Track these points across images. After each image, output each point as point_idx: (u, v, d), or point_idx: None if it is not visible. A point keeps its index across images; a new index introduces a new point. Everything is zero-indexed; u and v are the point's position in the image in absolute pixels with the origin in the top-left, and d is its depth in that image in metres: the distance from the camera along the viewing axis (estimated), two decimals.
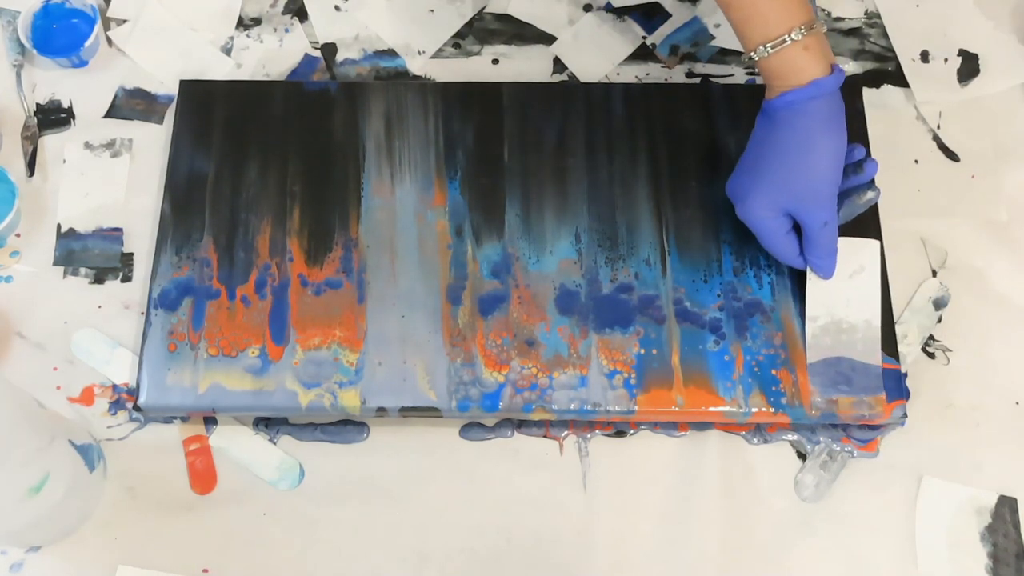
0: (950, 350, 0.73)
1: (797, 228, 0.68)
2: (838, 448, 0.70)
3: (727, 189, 0.70)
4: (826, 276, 0.69)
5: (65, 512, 0.65)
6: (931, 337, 0.74)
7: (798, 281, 0.71)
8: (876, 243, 0.71)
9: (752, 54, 0.64)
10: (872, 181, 0.68)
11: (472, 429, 0.71)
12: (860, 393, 0.68)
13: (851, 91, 0.77)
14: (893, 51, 0.83)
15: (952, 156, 0.79)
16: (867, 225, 0.72)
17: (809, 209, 0.66)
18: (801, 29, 0.62)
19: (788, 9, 0.63)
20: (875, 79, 0.82)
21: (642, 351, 0.69)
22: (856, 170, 0.67)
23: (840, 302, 0.70)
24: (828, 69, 0.63)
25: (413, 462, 0.70)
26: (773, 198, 0.66)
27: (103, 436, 0.71)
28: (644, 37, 0.84)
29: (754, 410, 0.68)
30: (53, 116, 0.80)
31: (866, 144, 0.75)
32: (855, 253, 0.70)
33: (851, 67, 0.83)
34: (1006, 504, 0.69)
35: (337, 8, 0.85)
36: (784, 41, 0.63)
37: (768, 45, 0.63)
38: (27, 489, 0.60)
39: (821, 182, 0.65)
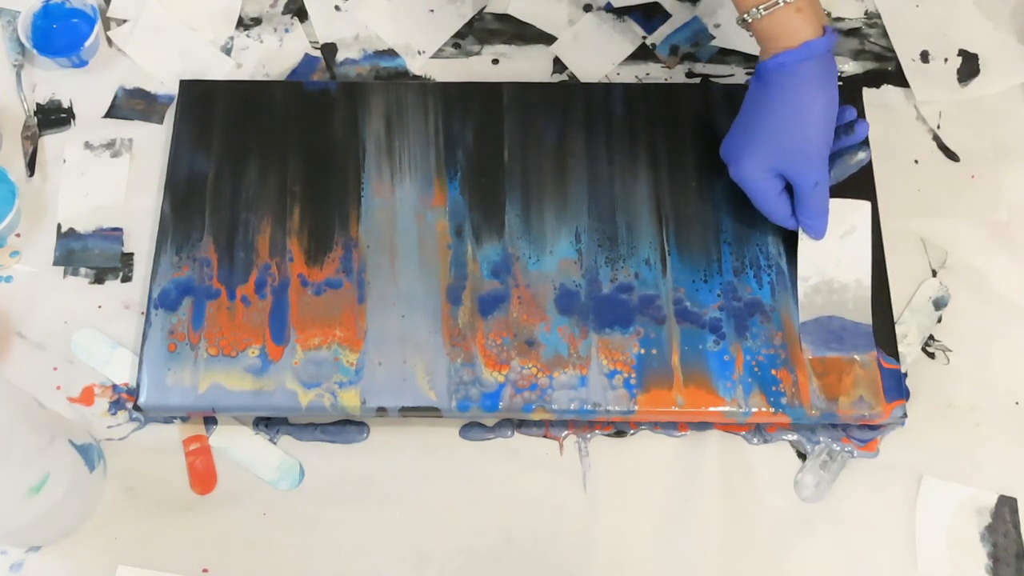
0: (950, 350, 0.73)
1: (789, 189, 0.69)
2: (838, 448, 0.70)
3: (721, 151, 0.71)
4: (817, 236, 0.70)
5: (65, 512, 0.65)
6: (931, 337, 0.74)
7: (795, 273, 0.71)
8: (867, 204, 0.72)
9: (745, 16, 0.65)
10: (863, 142, 0.69)
11: (472, 429, 0.71)
12: (851, 351, 0.69)
13: (851, 91, 0.78)
14: (893, 51, 0.83)
15: (952, 156, 0.79)
16: (860, 188, 0.73)
17: (800, 169, 0.67)
18: None
19: None
20: (875, 79, 0.82)
21: (642, 351, 0.69)
22: (847, 131, 0.69)
23: (831, 262, 0.71)
24: (820, 31, 0.64)
25: (413, 462, 0.70)
26: (765, 158, 0.67)
27: (103, 436, 0.71)
28: (644, 37, 0.84)
29: (754, 410, 0.68)
30: (53, 116, 0.80)
31: (866, 144, 0.75)
32: (847, 214, 0.71)
33: (851, 67, 0.83)
34: (1006, 504, 0.69)
35: (337, 8, 0.85)
36: (776, 3, 0.63)
37: (761, 7, 0.64)
38: (27, 489, 0.60)
39: (812, 142, 0.66)
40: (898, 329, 0.72)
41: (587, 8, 0.85)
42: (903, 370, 0.71)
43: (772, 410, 0.68)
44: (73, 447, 0.64)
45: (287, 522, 0.69)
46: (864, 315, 0.70)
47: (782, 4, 0.63)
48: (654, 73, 0.83)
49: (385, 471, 0.70)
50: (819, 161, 0.67)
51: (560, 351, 0.69)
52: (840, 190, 0.71)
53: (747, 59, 0.83)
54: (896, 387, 0.69)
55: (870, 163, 0.74)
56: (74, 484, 0.64)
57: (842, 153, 0.70)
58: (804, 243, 0.71)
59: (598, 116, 0.77)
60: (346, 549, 0.68)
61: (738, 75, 0.82)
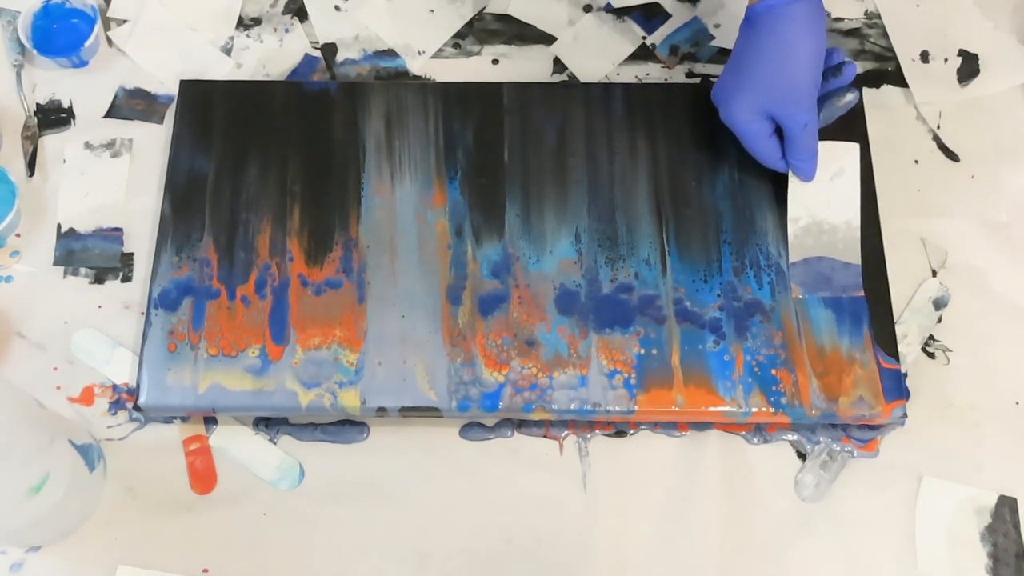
0: (950, 350, 0.73)
1: (779, 132, 0.71)
2: (838, 448, 0.70)
3: (712, 95, 0.72)
4: (807, 178, 0.72)
5: (65, 512, 0.65)
6: (931, 337, 0.74)
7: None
8: (856, 146, 0.73)
9: None
10: (852, 84, 0.70)
11: (472, 429, 0.71)
12: (840, 291, 0.70)
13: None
14: (893, 51, 0.83)
15: (952, 156, 0.79)
16: (865, 214, 0.73)
17: (790, 111, 0.68)
18: None
19: None
20: (875, 79, 0.82)
21: (642, 351, 0.69)
22: (835, 73, 0.70)
23: (821, 204, 0.72)
24: None
25: (413, 462, 0.70)
26: (755, 101, 0.69)
27: (103, 436, 0.71)
28: (644, 37, 0.84)
29: (754, 410, 0.68)
30: (53, 116, 0.80)
31: (866, 145, 0.76)
32: (836, 156, 0.72)
33: None
34: (1006, 504, 0.69)
35: (337, 8, 0.85)
36: None
37: None
38: (27, 489, 0.60)
39: (801, 84, 0.67)
40: (898, 329, 0.72)
41: (587, 8, 0.85)
42: (903, 370, 0.71)
43: (772, 410, 0.68)
44: (73, 447, 0.64)
45: (287, 522, 0.69)
46: (854, 255, 0.71)
47: None
48: (654, 73, 0.83)
49: (385, 471, 0.70)
50: (808, 102, 0.68)
51: (560, 351, 0.69)
52: (826, 133, 0.72)
53: None
54: (896, 387, 0.69)
55: (871, 162, 0.75)
56: (74, 484, 0.64)
57: (830, 95, 0.71)
58: (794, 185, 0.72)
59: (598, 116, 0.77)
60: (346, 549, 0.68)
61: None
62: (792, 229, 0.72)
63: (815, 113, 0.69)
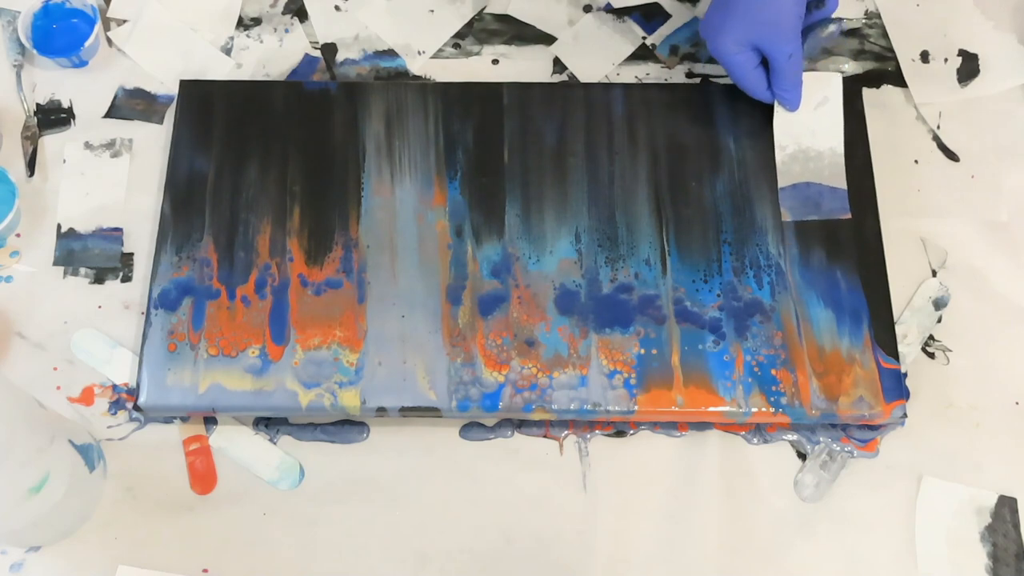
0: (950, 350, 0.73)
1: (765, 64, 0.73)
2: (838, 448, 0.70)
3: (700, 29, 0.75)
4: (792, 108, 0.75)
5: (65, 512, 0.65)
6: (931, 337, 0.74)
7: (798, 272, 0.71)
8: (838, 75, 0.76)
9: None
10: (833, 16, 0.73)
11: (472, 429, 0.71)
12: (827, 214, 0.73)
13: (851, 91, 0.78)
14: (893, 51, 0.83)
15: (952, 156, 0.79)
16: (865, 214, 0.73)
17: (774, 41, 0.71)
18: None
19: None
20: (875, 79, 0.82)
21: (642, 351, 0.69)
22: (818, 5, 0.72)
23: (806, 132, 0.75)
24: None
25: (413, 462, 0.70)
26: (741, 32, 0.71)
27: (103, 436, 0.71)
28: (644, 37, 0.84)
29: (754, 410, 0.68)
30: (53, 116, 0.80)
31: (866, 145, 0.76)
32: (819, 86, 0.75)
33: (851, 67, 0.82)
34: (1006, 504, 0.69)
35: (337, 8, 0.85)
36: None
37: None
38: (27, 489, 0.60)
39: (784, 14, 0.70)
40: (898, 329, 0.72)
41: (587, 8, 0.85)
42: (903, 370, 0.71)
43: (772, 410, 0.68)
44: (73, 447, 0.64)
45: (287, 522, 0.69)
46: (839, 180, 0.74)
47: None
48: (654, 73, 0.83)
49: (385, 471, 0.70)
50: (792, 33, 0.71)
51: (560, 351, 0.69)
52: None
53: None
54: (896, 387, 0.69)
55: (871, 165, 0.75)
56: (74, 484, 0.64)
57: (813, 27, 0.73)
58: (780, 115, 0.75)
59: (598, 116, 0.77)
60: (346, 549, 0.68)
61: None
62: (779, 156, 0.75)
63: (799, 44, 0.71)
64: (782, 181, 0.74)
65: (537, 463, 0.70)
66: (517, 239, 0.73)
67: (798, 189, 0.74)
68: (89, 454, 0.66)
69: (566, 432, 0.71)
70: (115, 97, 0.81)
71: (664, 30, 0.84)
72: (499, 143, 0.76)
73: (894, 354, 0.70)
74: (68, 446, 0.64)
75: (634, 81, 0.82)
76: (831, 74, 0.76)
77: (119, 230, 0.77)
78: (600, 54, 0.83)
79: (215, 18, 0.84)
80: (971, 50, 0.83)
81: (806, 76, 0.74)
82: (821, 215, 0.73)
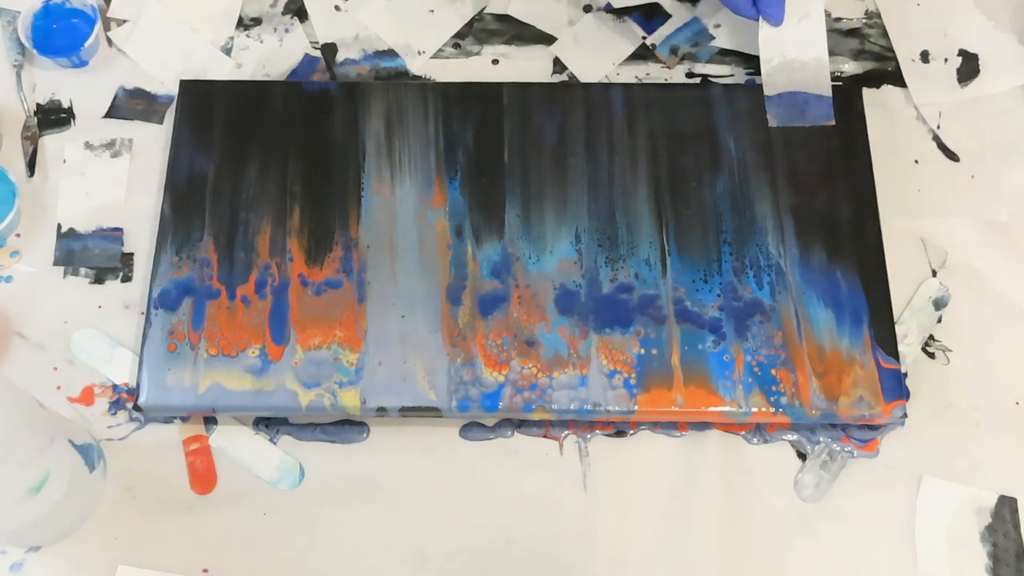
0: (950, 350, 0.73)
1: None
2: (838, 448, 0.70)
3: None
4: (777, 23, 0.77)
5: (65, 512, 0.65)
6: (931, 337, 0.74)
7: (797, 273, 0.71)
8: None
9: None
10: None
11: (472, 429, 0.71)
12: (812, 121, 0.76)
13: (851, 91, 0.78)
14: (893, 51, 0.83)
15: (952, 156, 0.79)
16: (865, 214, 0.73)
17: None
18: None
19: None
20: (875, 79, 0.82)
21: (642, 351, 0.69)
22: None
23: (790, 45, 0.77)
24: None
25: (413, 462, 0.70)
26: None
27: (103, 436, 0.71)
28: (644, 37, 0.84)
29: (754, 410, 0.68)
30: (53, 116, 0.80)
31: (866, 145, 0.76)
32: (802, 1, 0.77)
33: (851, 67, 0.83)
34: (1006, 504, 0.69)
35: (337, 8, 0.85)
36: None
37: None
38: (27, 489, 0.60)
39: None
40: (898, 329, 0.72)
41: (587, 8, 0.85)
42: (903, 370, 0.71)
43: (772, 410, 0.68)
44: (73, 447, 0.64)
45: (287, 522, 0.69)
46: (824, 88, 0.77)
47: None
48: (654, 73, 0.83)
49: (385, 471, 0.70)
50: None
51: (560, 351, 0.69)
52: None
53: (747, 59, 0.83)
54: (896, 387, 0.69)
55: (871, 165, 0.75)
56: (74, 484, 0.64)
57: None
58: (764, 29, 0.77)
59: (598, 116, 0.77)
60: (346, 549, 0.68)
61: (738, 75, 0.82)
62: (765, 69, 0.77)
63: None
64: (768, 91, 0.77)
65: (537, 463, 0.70)
66: (517, 239, 0.73)
67: (783, 97, 0.76)
68: (89, 454, 0.66)
69: (566, 432, 0.71)
70: (115, 97, 0.81)
71: (664, 30, 0.84)
72: (499, 143, 0.76)
73: (894, 354, 0.70)
74: (68, 446, 0.64)
75: (634, 81, 0.82)
76: None
77: (119, 230, 0.77)
78: (600, 54, 0.83)
79: (215, 18, 0.84)
80: (971, 50, 0.83)
81: None
82: (806, 121, 0.76)
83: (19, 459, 0.58)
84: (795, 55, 0.77)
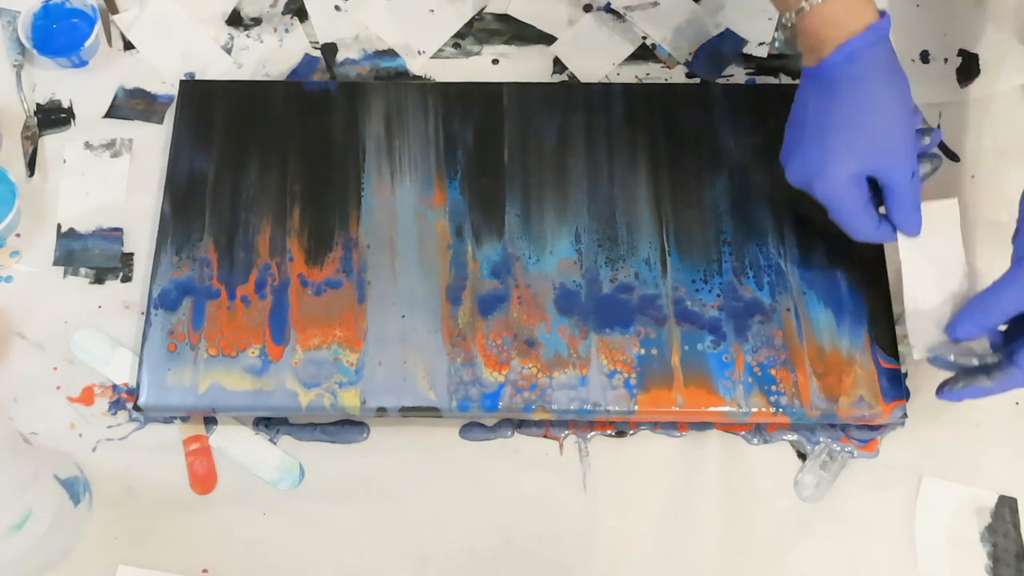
0: None
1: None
2: (838, 448, 0.70)
3: (790, 176, 0.65)
4: (914, 233, 0.64)
5: (47, 547, 0.64)
6: None
7: (797, 277, 0.71)
8: (954, 201, 0.66)
9: (792, 14, 0.61)
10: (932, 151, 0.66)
11: (472, 429, 0.71)
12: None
13: None
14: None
15: (952, 156, 0.79)
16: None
17: (895, 164, 0.62)
18: None
19: None
20: None
21: (642, 351, 0.69)
22: (920, 138, 0.64)
23: (931, 269, 0.66)
24: (877, 12, 0.61)
25: (413, 462, 0.70)
26: (855, 163, 0.62)
27: (103, 436, 0.71)
28: (644, 37, 0.84)
29: (754, 410, 0.68)
30: (53, 116, 0.80)
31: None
32: (934, 216, 0.66)
33: None
34: (1006, 504, 0.69)
35: (337, 8, 0.85)
36: None
37: None
38: (8, 527, 0.59)
39: (902, 129, 0.61)
40: (898, 329, 0.72)
41: (587, 8, 0.85)
42: (903, 370, 0.71)
43: (772, 410, 0.68)
44: (58, 482, 0.64)
45: (287, 522, 0.69)
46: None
47: None
48: (654, 73, 0.83)
49: (385, 471, 0.70)
50: (910, 148, 0.61)
51: (560, 351, 0.69)
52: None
53: (747, 59, 0.83)
54: (896, 387, 0.69)
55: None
56: (58, 519, 0.64)
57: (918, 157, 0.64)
58: (905, 251, 0.66)
59: (598, 116, 0.77)
60: (346, 549, 0.68)
61: (738, 75, 0.82)
62: (909, 306, 0.66)
63: (916, 159, 0.62)
64: (917, 350, 0.66)
65: (537, 463, 0.70)
66: (517, 239, 0.73)
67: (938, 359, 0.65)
68: (75, 488, 0.66)
69: (566, 432, 0.71)
70: (115, 97, 0.81)
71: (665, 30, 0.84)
72: (499, 143, 0.76)
73: (894, 354, 0.70)
74: (53, 482, 0.63)
75: (634, 81, 0.82)
76: (945, 202, 0.66)
77: (119, 230, 0.77)
78: (600, 54, 0.83)
79: (215, 18, 0.84)
80: (971, 50, 0.83)
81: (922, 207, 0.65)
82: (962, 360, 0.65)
83: (1, 497, 0.58)
84: (934, 277, 0.65)
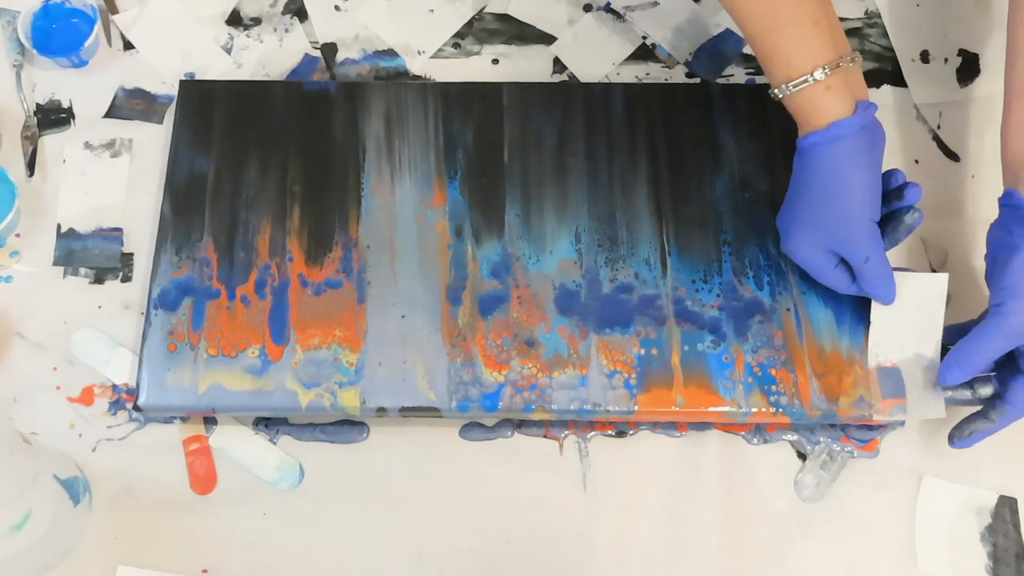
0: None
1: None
2: (838, 448, 0.70)
3: (777, 221, 0.70)
4: (886, 303, 0.68)
5: (47, 547, 0.64)
6: None
7: (798, 276, 0.71)
8: (944, 277, 0.68)
9: (776, 91, 0.64)
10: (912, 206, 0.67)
11: (472, 429, 0.71)
12: (920, 415, 0.68)
13: None
14: (893, 51, 0.83)
15: (952, 156, 0.79)
16: None
17: (848, 248, 0.65)
18: (825, 68, 0.62)
19: (812, 47, 0.62)
20: (875, 79, 0.82)
21: (642, 351, 0.69)
22: (898, 196, 0.66)
23: (903, 331, 0.68)
24: (851, 108, 0.63)
25: (413, 462, 0.70)
26: (813, 238, 0.66)
27: (103, 436, 0.71)
28: (644, 37, 0.84)
29: (754, 410, 0.68)
30: (53, 116, 0.80)
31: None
32: (922, 287, 0.68)
33: None
34: (1006, 504, 0.69)
35: (337, 8, 0.85)
36: (806, 80, 0.62)
37: (791, 84, 0.63)
38: (8, 527, 0.59)
39: (856, 221, 0.64)
40: None
41: (587, 8, 0.85)
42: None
43: (772, 410, 0.68)
44: (58, 482, 0.64)
45: (287, 522, 0.69)
46: (933, 391, 0.68)
47: (811, 81, 0.62)
48: (654, 73, 0.83)
49: (385, 471, 0.70)
50: (866, 236, 0.65)
51: (560, 351, 0.69)
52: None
53: (747, 59, 0.83)
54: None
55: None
56: (57, 519, 0.63)
57: (894, 216, 0.66)
58: (876, 309, 0.68)
59: (598, 116, 0.77)
60: (346, 549, 0.68)
61: (738, 75, 0.82)
62: (873, 338, 0.69)
63: (876, 244, 0.65)
64: (871, 361, 0.69)
65: (537, 463, 0.70)
66: (517, 239, 0.73)
67: (889, 372, 0.68)
68: (74, 488, 0.66)
69: (566, 432, 0.71)
70: (115, 97, 0.81)
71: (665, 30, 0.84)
72: (499, 143, 0.76)
73: None
74: (52, 482, 0.63)
75: (634, 81, 0.82)
76: (936, 276, 0.68)
77: (119, 230, 0.77)
78: (600, 54, 0.83)
79: (216, 18, 0.84)
80: (971, 50, 0.83)
81: (910, 277, 0.68)
82: (914, 413, 0.68)
83: (0, 497, 0.58)
84: (904, 343, 0.68)
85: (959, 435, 0.67)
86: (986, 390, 0.67)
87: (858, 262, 0.66)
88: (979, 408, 0.67)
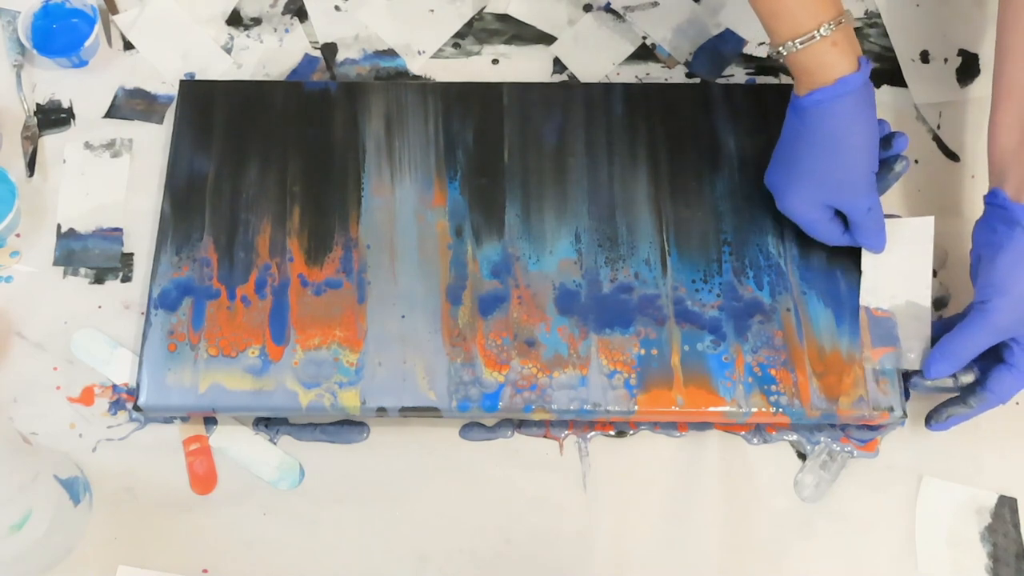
0: None
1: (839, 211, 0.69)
2: (838, 448, 0.70)
3: (766, 181, 0.71)
4: (877, 251, 0.70)
5: (47, 546, 0.64)
6: None
7: (798, 275, 0.71)
8: (930, 220, 0.70)
9: (780, 49, 0.64)
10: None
11: (472, 429, 0.71)
12: (908, 364, 0.69)
13: None
14: (893, 51, 0.83)
15: (952, 156, 0.79)
16: None
17: (850, 200, 0.67)
18: (830, 24, 0.62)
19: (816, 4, 0.63)
20: (875, 79, 0.81)
21: (642, 351, 0.69)
22: (885, 146, 0.67)
23: (893, 279, 0.70)
24: (855, 64, 0.63)
25: (413, 462, 0.70)
26: (812, 194, 0.67)
27: (103, 436, 0.71)
28: (644, 37, 0.84)
29: (754, 410, 0.68)
30: (53, 116, 0.80)
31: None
32: (909, 233, 0.70)
33: None
34: (1006, 504, 0.69)
35: (337, 8, 0.85)
36: (813, 37, 0.62)
37: (796, 41, 0.63)
38: (8, 527, 0.59)
39: (859, 174, 0.65)
40: None
41: (587, 8, 0.85)
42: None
43: (772, 410, 0.68)
44: (58, 482, 0.64)
45: (287, 522, 0.69)
46: (923, 338, 0.69)
47: (818, 38, 0.62)
48: (654, 73, 0.83)
49: (385, 471, 0.70)
50: (867, 187, 0.66)
51: (560, 351, 0.69)
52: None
53: (747, 59, 0.83)
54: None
55: None
56: (57, 519, 0.63)
57: (883, 165, 0.68)
58: (867, 257, 0.70)
59: (598, 116, 0.77)
60: (346, 549, 0.68)
61: (738, 75, 0.82)
62: (865, 285, 0.70)
63: (876, 195, 0.67)
64: (863, 301, 0.70)
65: (537, 463, 0.70)
66: (517, 239, 0.73)
67: (881, 321, 0.69)
68: (74, 488, 0.66)
69: (566, 432, 0.71)
70: (115, 97, 0.81)
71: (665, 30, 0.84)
72: (499, 143, 0.76)
73: None
74: (53, 482, 0.63)
75: (634, 81, 0.82)
76: (922, 220, 0.70)
77: (119, 230, 0.77)
78: (600, 54, 0.83)
79: (216, 18, 0.84)
80: (971, 50, 0.83)
81: (897, 223, 0.70)
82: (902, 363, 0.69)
83: (1, 497, 0.58)
84: (895, 291, 0.70)
85: (937, 418, 0.68)
86: (968, 378, 0.68)
87: (859, 214, 0.67)
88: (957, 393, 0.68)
